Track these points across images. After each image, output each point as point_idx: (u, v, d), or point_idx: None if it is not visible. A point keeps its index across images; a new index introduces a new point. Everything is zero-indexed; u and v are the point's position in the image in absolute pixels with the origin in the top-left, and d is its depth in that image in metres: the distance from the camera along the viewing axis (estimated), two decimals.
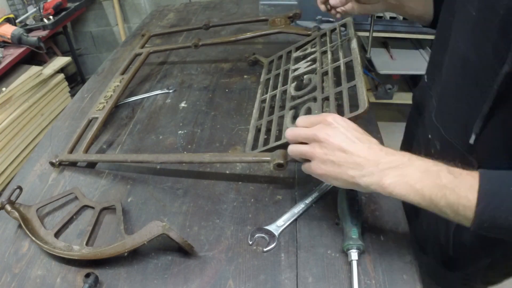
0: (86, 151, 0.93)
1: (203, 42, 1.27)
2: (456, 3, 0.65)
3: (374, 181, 0.52)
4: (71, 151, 0.94)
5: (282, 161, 0.71)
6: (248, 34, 1.23)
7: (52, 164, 0.92)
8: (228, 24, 1.44)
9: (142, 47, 1.35)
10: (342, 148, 0.54)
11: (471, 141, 0.61)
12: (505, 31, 0.50)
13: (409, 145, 0.97)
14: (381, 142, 0.89)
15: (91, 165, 0.92)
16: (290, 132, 0.62)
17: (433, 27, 0.85)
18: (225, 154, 0.86)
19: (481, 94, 0.57)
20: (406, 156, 0.53)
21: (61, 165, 0.92)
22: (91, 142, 0.96)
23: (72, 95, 2.39)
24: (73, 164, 0.93)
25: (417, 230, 0.85)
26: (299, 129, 0.61)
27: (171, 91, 1.15)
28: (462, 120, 0.65)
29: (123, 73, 1.19)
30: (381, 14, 2.18)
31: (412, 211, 0.81)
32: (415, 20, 0.91)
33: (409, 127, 0.98)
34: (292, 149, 0.62)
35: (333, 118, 0.58)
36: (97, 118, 1.01)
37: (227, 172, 0.85)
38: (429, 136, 0.77)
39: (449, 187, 0.48)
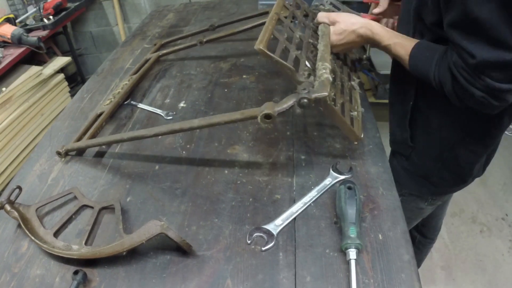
0: (91, 138, 0.97)
1: (208, 38, 1.30)
2: None
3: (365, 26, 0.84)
4: (78, 141, 0.97)
5: (270, 112, 0.69)
6: (249, 25, 1.26)
7: (58, 153, 0.94)
8: (232, 22, 1.46)
9: (153, 53, 1.39)
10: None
11: None
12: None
13: None
14: (381, 142, 0.89)
15: (100, 154, 0.95)
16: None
17: None
18: (213, 116, 0.81)
19: None
20: None
21: (67, 155, 0.95)
22: (96, 131, 1.00)
23: (72, 95, 2.39)
24: (79, 154, 0.95)
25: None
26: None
27: (170, 117, 1.06)
28: None
29: (133, 74, 1.24)
30: None
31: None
32: None
33: None
34: (322, 14, 0.94)
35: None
36: (103, 112, 1.07)
37: (226, 172, 0.85)
38: None
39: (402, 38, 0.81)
